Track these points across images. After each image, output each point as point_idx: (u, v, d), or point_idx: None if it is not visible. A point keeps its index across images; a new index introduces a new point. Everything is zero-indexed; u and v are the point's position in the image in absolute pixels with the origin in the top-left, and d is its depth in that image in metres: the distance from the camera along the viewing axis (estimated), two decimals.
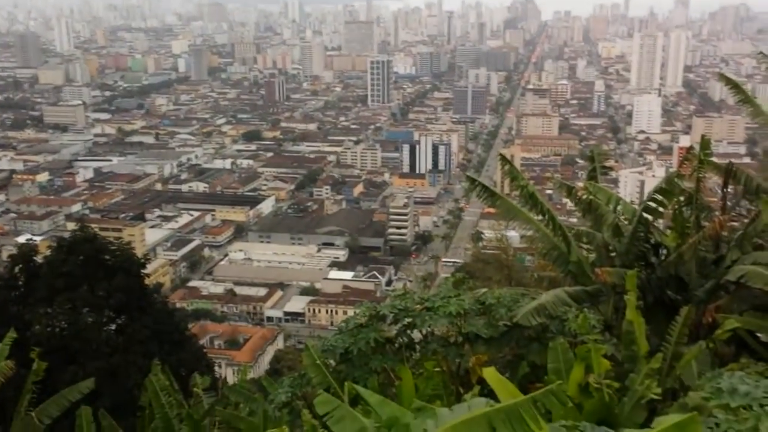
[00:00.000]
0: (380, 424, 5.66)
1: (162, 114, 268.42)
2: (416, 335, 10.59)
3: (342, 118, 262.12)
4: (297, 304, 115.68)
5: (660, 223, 12.98)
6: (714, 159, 12.83)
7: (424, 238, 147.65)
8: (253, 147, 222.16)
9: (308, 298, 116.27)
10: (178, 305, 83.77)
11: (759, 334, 10.77)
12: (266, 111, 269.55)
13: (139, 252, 57.79)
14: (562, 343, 8.08)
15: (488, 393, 6.60)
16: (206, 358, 26.33)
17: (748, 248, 11.68)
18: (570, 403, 6.64)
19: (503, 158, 13.90)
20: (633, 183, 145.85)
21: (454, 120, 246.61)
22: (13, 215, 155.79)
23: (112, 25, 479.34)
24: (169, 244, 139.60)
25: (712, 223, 11.76)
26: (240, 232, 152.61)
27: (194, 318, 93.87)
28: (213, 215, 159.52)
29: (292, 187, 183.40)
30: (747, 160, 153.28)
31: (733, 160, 13.94)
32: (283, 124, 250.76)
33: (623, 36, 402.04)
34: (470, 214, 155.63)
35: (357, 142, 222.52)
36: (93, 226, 34.57)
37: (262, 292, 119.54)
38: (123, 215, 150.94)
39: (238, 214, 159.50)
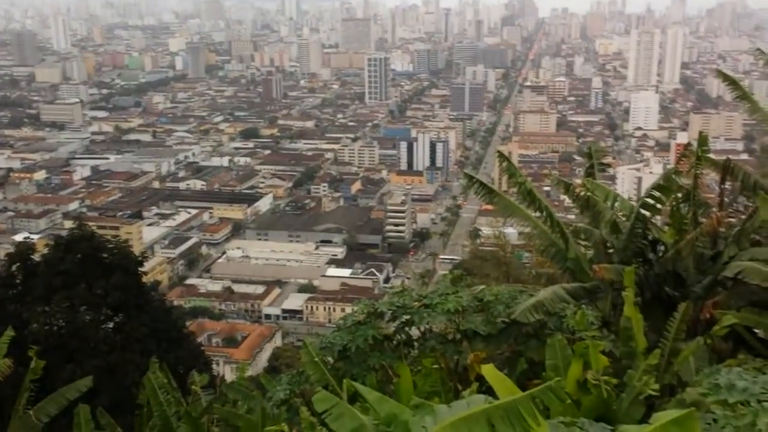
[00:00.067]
0: (379, 421, 5.66)
1: (159, 112, 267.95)
2: (414, 332, 10.60)
3: (339, 116, 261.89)
4: (295, 301, 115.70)
5: (658, 219, 12.99)
6: (711, 155, 12.84)
7: (421, 236, 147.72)
8: (250, 144, 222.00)
9: (306, 296, 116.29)
10: (175, 303, 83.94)
11: (756, 330, 10.79)
12: (263, 108, 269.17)
13: (137, 250, 57.71)
14: (560, 340, 8.08)
15: (486, 390, 6.60)
16: (204, 355, 26.35)
17: (745, 244, 11.70)
18: (568, 399, 6.64)
19: (501, 155, 13.91)
20: (630, 180, 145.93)
21: (452, 117, 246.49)
22: (10, 213, 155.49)
23: (109, 23, 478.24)
24: (166, 242, 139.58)
25: (710, 220, 11.78)
26: (238, 229, 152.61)
27: (192, 316, 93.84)
28: (210, 213, 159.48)
29: (290, 184, 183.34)
30: (744, 156, 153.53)
31: (730, 157, 13.96)
32: (281, 122, 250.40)
33: (620, 33, 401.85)
34: (468, 211, 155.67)
35: (354, 140, 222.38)
36: (90, 224, 34.59)
37: (260, 289, 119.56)
38: (120, 213, 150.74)
39: (235, 212, 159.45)
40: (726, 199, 13.22)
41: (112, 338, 20.30)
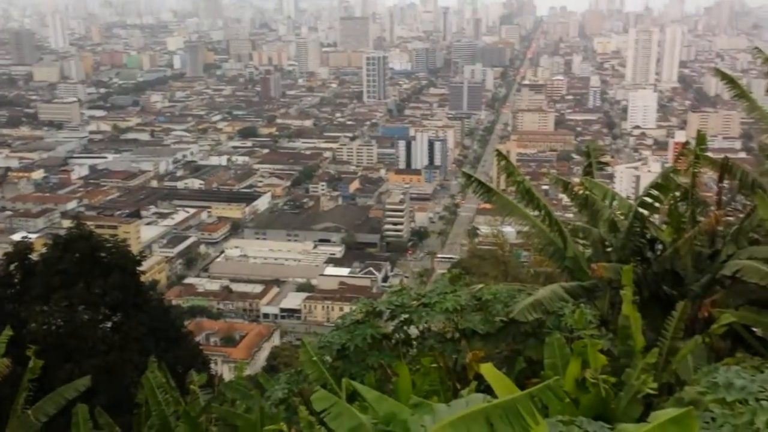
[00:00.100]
0: (378, 420, 5.66)
1: (157, 111, 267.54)
2: (413, 331, 10.60)
3: (338, 115, 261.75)
4: (293, 300, 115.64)
5: (656, 218, 13.00)
6: (709, 154, 12.86)
7: (420, 234, 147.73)
8: (248, 143, 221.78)
9: (304, 295, 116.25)
10: (174, 302, 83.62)
11: (755, 329, 10.81)
12: (262, 107, 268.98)
13: (135, 249, 57.72)
14: (558, 339, 8.09)
15: (485, 389, 6.59)
16: (202, 355, 26.30)
17: (743, 243, 11.71)
18: (567, 398, 6.65)
19: (499, 154, 13.92)
20: (629, 178, 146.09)
21: (450, 116, 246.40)
22: (8, 213, 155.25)
23: (107, 21, 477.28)
24: (164, 241, 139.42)
25: (708, 218, 11.79)
26: (236, 228, 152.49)
27: (190, 315, 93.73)
28: (209, 212, 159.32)
29: (288, 183, 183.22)
30: (742, 154, 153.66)
31: (728, 155, 13.97)
32: (279, 121, 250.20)
33: (619, 31, 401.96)
34: (466, 210, 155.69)
35: (353, 139, 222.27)
36: (88, 223, 34.46)
37: (258, 288, 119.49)
38: (118, 212, 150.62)
39: (234, 211, 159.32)
40: (724, 198, 13.24)
41: (111, 338, 20.29)
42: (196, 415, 10.30)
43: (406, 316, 10.32)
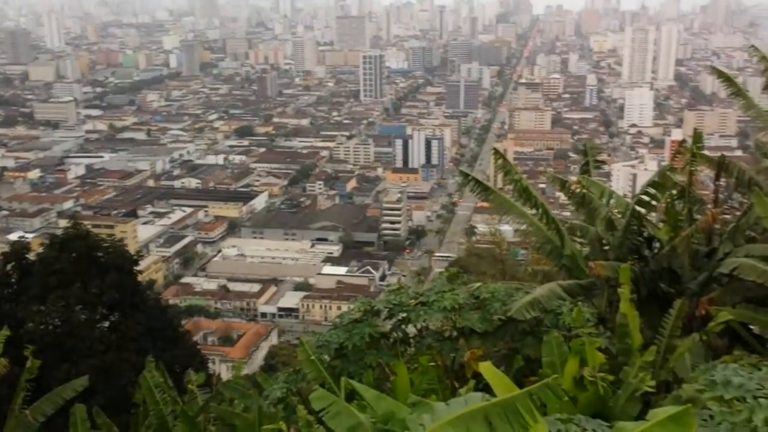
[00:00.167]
0: (376, 419, 5.66)
1: (154, 110, 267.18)
2: (411, 330, 10.60)
3: (335, 113, 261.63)
4: (291, 299, 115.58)
5: (653, 216, 13.01)
6: (706, 152, 12.86)
7: (417, 233, 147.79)
8: (245, 142, 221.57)
9: (302, 294, 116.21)
10: (171, 302, 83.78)
11: (752, 327, 10.83)
12: (258, 106, 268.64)
13: (132, 249, 57.67)
14: (556, 337, 8.09)
15: (483, 387, 6.60)
16: (200, 354, 26.31)
17: (740, 241, 11.73)
18: (565, 396, 6.67)
19: (496, 152, 13.90)
20: (625, 176, 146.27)
21: (447, 114, 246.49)
22: (4, 212, 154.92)
23: (102, 21, 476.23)
24: (161, 241, 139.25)
25: (705, 216, 11.81)
26: (233, 228, 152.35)
27: (188, 314, 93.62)
28: (206, 211, 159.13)
29: (285, 182, 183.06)
30: (739, 152, 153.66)
31: (725, 153, 13.98)
32: (276, 120, 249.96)
33: (615, 30, 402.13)
34: (463, 208, 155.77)
35: (350, 137, 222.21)
36: (85, 223, 34.45)
37: (255, 288, 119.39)
38: (115, 212, 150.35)
39: (231, 210, 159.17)
40: (721, 196, 13.27)
41: (108, 337, 20.28)
42: (194, 414, 10.29)
43: (404, 314, 10.32)
